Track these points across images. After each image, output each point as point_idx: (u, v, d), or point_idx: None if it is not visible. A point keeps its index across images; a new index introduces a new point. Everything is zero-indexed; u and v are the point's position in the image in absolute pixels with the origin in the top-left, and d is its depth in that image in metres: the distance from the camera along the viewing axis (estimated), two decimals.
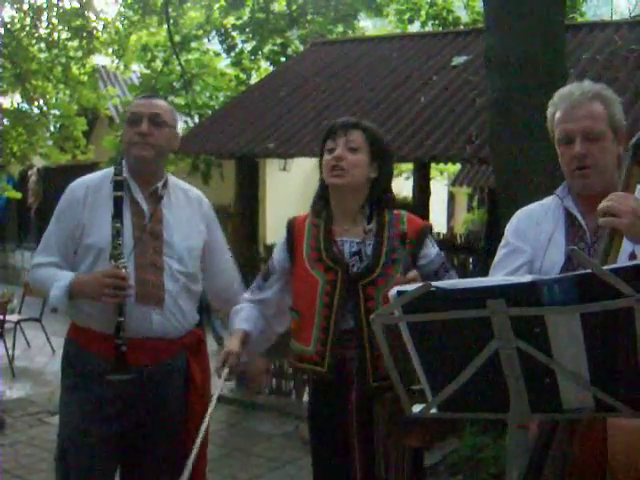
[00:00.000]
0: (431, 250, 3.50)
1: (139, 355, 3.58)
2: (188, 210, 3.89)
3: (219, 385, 3.45)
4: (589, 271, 1.92)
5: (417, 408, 2.30)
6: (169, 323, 3.69)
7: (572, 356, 2.03)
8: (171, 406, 3.76)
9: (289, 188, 15.20)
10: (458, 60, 9.79)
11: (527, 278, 1.98)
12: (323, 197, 3.57)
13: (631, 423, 2.49)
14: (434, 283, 2.03)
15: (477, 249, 11.89)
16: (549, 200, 3.24)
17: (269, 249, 9.53)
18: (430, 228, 3.57)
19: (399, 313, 2.11)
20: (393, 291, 2.11)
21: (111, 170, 3.80)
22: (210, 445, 7.40)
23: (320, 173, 3.58)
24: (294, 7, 16.89)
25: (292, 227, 3.60)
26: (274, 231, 13.33)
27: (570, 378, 2.05)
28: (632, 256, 2.71)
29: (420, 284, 2.05)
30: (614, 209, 2.53)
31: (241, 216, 9.87)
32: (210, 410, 3.37)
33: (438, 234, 16.57)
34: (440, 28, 16.63)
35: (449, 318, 2.04)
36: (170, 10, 16.16)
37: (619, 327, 1.95)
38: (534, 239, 3.13)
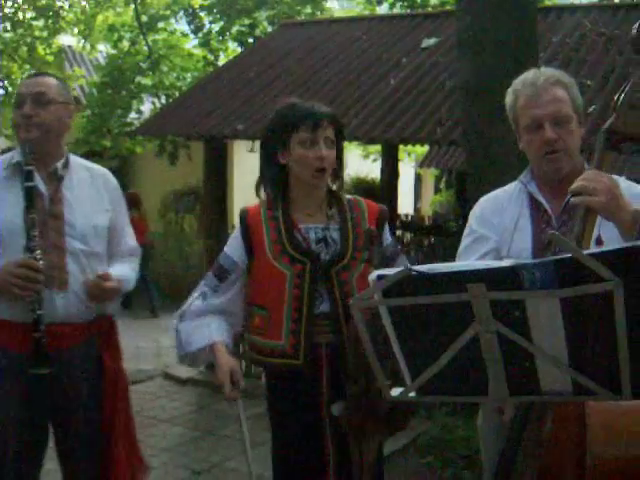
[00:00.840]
0: (387, 234, 3.54)
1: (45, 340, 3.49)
2: (92, 189, 3.78)
3: (242, 413, 3.52)
4: (569, 255, 1.92)
5: (396, 392, 2.30)
6: (74, 307, 3.60)
7: (551, 340, 2.03)
8: (84, 394, 3.69)
9: (256, 169, 15.11)
10: (428, 42, 9.79)
11: (507, 262, 1.97)
12: (278, 185, 3.48)
13: (610, 406, 2.50)
14: (414, 267, 2.02)
15: (445, 230, 11.95)
16: (512, 186, 3.27)
17: None
18: (387, 211, 3.57)
19: (379, 297, 2.11)
20: (373, 275, 2.10)
21: (9, 155, 3.72)
22: (181, 428, 7.52)
23: (266, 157, 3.52)
24: None
25: (246, 221, 3.48)
26: None
27: (549, 361, 2.05)
28: (598, 241, 2.74)
29: (400, 268, 2.04)
30: (588, 188, 2.53)
31: (210, 198, 9.82)
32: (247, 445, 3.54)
33: (406, 216, 16.63)
34: (408, 10, 16.60)
35: (429, 302, 2.04)
36: None
37: (598, 311, 1.95)
38: (499, 226, 3.16)
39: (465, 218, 3.47)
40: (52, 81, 3.72)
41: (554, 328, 2.01)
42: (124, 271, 3.81)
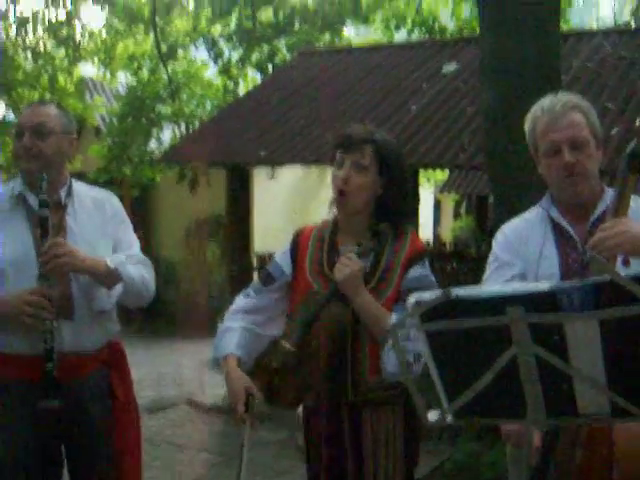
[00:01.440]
0: (416, 271, 3.38)
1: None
2: (96, 216, 3.74)
3: (247, 434, 3.40)
4: (607, 278, 1.94)
5: (433, 416, 2.31)
6: (81, 336, 3.57)
7: (589, 361, 2.04)
8: (94, 425, 3.65)
9: (277, 197, 15.20)
10: (448, 68, 9.83)
11: (545, 286, 1.99)
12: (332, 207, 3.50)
13: (636, 427, 2.51)
14: (453, 291, 2.04)
15: (467, 256, 11.94)
16: (532, 213, 3.28)
17: (260, 258, 9.56)
18: (426, 254, 3.49)
19: (417, 321, 2.12)
20: (412, 299, 2.12)
21: (9, 186, 3.70)
22: (206, 454, 7.50)
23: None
24: (281, 16, 16.91)
25: (297, 238, 3.54)
26: (262, 240, 13.35)
27: (587, 383, 2.07)
28: (625, 261, 2.75)
29: (438, 292, 2.06)
30: (610, 245, 2.58)
31: (233, 225, 9.86)
32: (244, 461, 3.44)
33: (427, 243, 16.61)
34: (426, 36, 16.68)
35: (468, 326, 2.06)
36: (157, 19, 16.15)
37: (636, 332, 1.97)
38: (524, 254, 3.17)
39: (485, 244, 3.49)
40: (52, 110, 3.68)
41: (592, 350, 2.02)
42: (120, 260, 3.65)
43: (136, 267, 3.71)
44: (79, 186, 3.81)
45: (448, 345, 2.15)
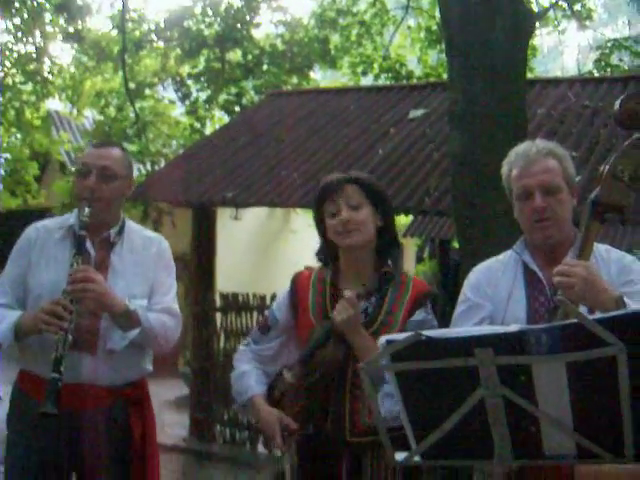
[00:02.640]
0: (420, 314, 3.40)
1: (69, 399, 3.39)
2: (142, 256, 3.78)
3: (288, 465, 3.37)
4: (574, 321, 1.98)
5: (400, 456, 2.33)
6: (102, 372, 3.57)
7: (556, 403, 2.07)
8: (106, 458, 3.62)
9: (240, 237, 15.21)
10: (415, 113, 9.91)
11: (514, 327, 2.02)
12: (326, 256, 3.54)
13: (597, 469, 2.53)
14: (424, 332, 2.07)
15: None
16: (506, 256, 3.32)
17: (224, 297, 9.52)
18: (431, 295, 3.48)
19: (387, 361, 2.15)
20: (382, 340, 2.14)
21: (66, 217, 3.78)
22: None
23: (318, 233, 3.55)
24: (250, 57, 17.00)
25: (296, 283, 3.55)
26: (225, 279, 13.31)
27: (554, 425, 2.09)
28: (591, 310, 2.80)
29: (410, 333, 2.08)
30: (563, 285, 2.71)
31: (198, 265, 9.84)
32: None
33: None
34: (393, 81, 16.82)
35: (437, 367, 2.08)
36: (126, 57, 16.17)
37: (603, 375, 2.00)
38: (493, 296, 3.20)
39: (447, 287, 3.55)
40: (118, 154, 3.74)
41: (559, 392, 2.05)
42: (140, 304, 3.67)
43: (159, 314, 3.71)
44: (132, 225, 3.86)
45: (417, 386, 2.18)
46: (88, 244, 3.62)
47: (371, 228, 3.39)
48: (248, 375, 3.51)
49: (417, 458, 2.30)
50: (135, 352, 3.72)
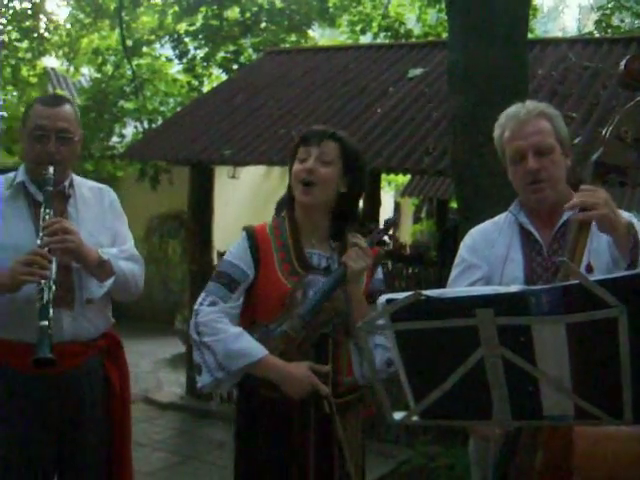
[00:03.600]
0: (381, 275, 3.51)
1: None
2: (95, 207, 3.78)
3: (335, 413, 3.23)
4: (576, 282, 1.97)
5: (399, 415, 2.32)
6: (80, 325, 3.57)
7: (555, 364, 2.06)
8: (91, 411, 3.65)
9: (238, 196, 15.18)
10: (414, 72, 9.84)
11: (515, 288, 2.02)
12: (289, 204, 3.45)
13: (596, 431, 2.54)
14: (424, 292, 2.06)
15: (427, 260, 11.97)
16: (501, 218, 3.33)
17: (221, 255, 9.52)
18: (382, 256, 3.56)
19: (387, 321, 2.14)
20: (382, 299, 2.13)
21: (10, 175, 3.69)
22: (162, 453, 7.48)
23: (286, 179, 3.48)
24: (248, 15, 16.87)
25: (254, 236, 3.39)
26: (222, 238, 13.29)
27: (553, 386, 2.09)
28: (588, 268, 2.80)
29: (409, 293, 2.07)
30: (588, 203, 2.62)
31: (195, 223, 9.82)
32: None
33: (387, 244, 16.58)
34: (392, 40, 16.71)
35: (437, 327, 2.07)
36: (123, 14, 16.06)
37: (603, 337, 1.99)
38: (490, 257, 3.21)
39: (445, 248, 3.55)
40: (71, 112, 3.67)
41: (559, 353, 2.05)
42: (112, 253, 3.63)
43: (127, 262, 3.71)
44: (77, 178, 3.83)
45: (416, 346, 2.17)
46: (42, 198, 3.55)
47: (331, 189, 3.33)
48: (246, 336, 3.24)
49: (415, 417, 2.30)
50: (104, 302, 3.73)
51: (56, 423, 3.58)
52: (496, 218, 3.36)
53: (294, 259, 3.34)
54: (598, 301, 1.93)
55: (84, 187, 3.82)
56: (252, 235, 3.40)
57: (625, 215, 3.07)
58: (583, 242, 2.66)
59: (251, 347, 3.20)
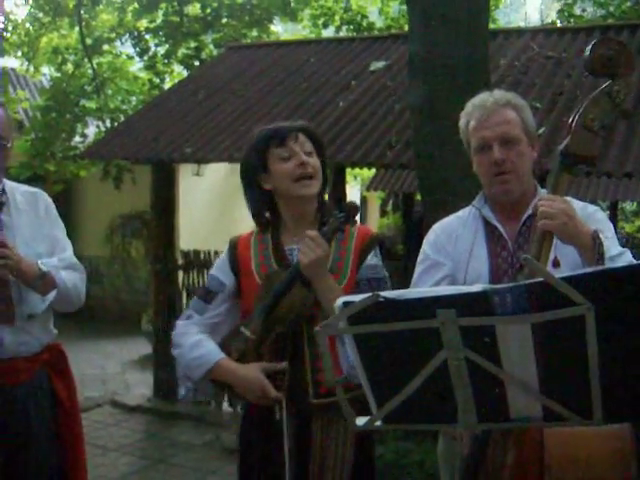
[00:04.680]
0: (372, 259, 3.28)
1: None
2: (30, 213, 3.62)
3: (284, 416, 3.14)
4: (540, 279, 1.89)
5: (361, 421, 2.25)
6: (22, 341, 3.46)
7: (521, 365, 2.00)
8: (39, 428, 3.54)
9: (202, 193, 15.09)
10: (376, 65, 9.79)
11: (478, 287, 1.94)
12: (269, 208, 3.37)
13: (566, 430, 2.49)
14: (382, 293, 1.98)
15: (394, 254, 11.94)
16: (465, 212, 3.26)
17: (185, 255, 9.44)
18: (377, 239, 3.35)
19: (344, 325, 2.05)
20: (339, 301, 2.05)
21: None
22: (129, 457, 7.38)
23: (249, 186, 3.37)
24: (208, 10, 16.75)
25: (234, 246, 3.39)
26: (187, 236, 13.22)
27: (519, 387, 2.02)
28: (555, 263, 2.76)
29: (367, 295, 1.99)
30: (546, 213, 2.57)
31: (158, 222, 9.71)
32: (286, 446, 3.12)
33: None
34: (354, 33, 16.66)
35: (397, 329, 1.99)
36: (82, 12, 15.91)
37: (570, 335, 1.92)
38: (454, 253, 3.14)
39: (411, 241, 3.46)
40: (5, 115, 3.54)
41: (524, 353, 1.99)
42: (53, 264, 3.54)
43: (68, 272, 3.60)
44: (8, 183, 3.67)
45: (377, 349, 2.10)
46: None
47: (320, 179, 3.29)
48: (203, 343, 3.26)
49: (379, 423, 2.23)
50: (46, 315, 3.61)
51: (1, 442, 3.45)
52: (460, 212, 3.28)
53: (273, 261, 3.28)
54: (564, 299, 1.86)
55: (17, 192, 3.66)
56: (233, 245, 3.41)
57: (590, 210, 3.02)
58: (547, 248, 2.62)
59: (206, 353, 3.22)
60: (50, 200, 3.77)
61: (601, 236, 2.61)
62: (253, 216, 3.40)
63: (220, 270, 3.39)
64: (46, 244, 3.59)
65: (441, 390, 2.08)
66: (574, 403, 2.03)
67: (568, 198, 2.95)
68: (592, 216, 2.97)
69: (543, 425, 2.21)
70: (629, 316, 1.90)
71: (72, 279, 3.59)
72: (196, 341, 3.27)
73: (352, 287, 3.17)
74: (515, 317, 1.91)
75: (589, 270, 1.99)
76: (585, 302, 1.84)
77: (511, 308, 1.91)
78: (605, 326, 1.88)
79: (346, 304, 2.03)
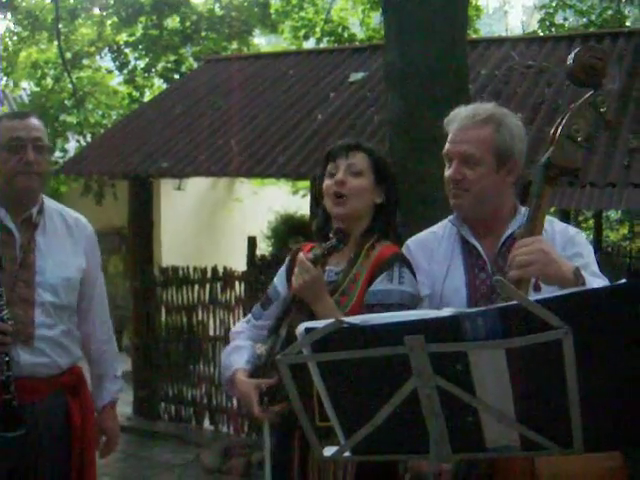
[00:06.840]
0: (382, 285, 3.07)
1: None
2: (66, 237, 3.60)
3: (267, 433, 3.21)
4: (514, 303, 1.78)
5: (329, 451, 2.12)
6: (39, 361, 3.41)
7: (496, 392, 1.89)
8: (50, 450, 3.47)
9: (185, 207, 14.96)
10: (355, 77, 9.73)
11: (447, 312, 1.82)
12: (327, 223, 3.28)
13: (559, 467, 2.42)
14: (346, 319, 1.86)
15: None
16: (441, 227, 3.15)
17: (164, 271, 9.29)
18: (397, 259, 3.10)
19: (307, 352, 1.93)
20: (301, 328, 1.93)
21: None
22: (107, 478, 7.22)
23: (320, 198, 3.29)
24: (188, 24, 16.70)
25: (293, 256, 3.32)
26: (170, 251, 13.07)
27: (494, 416, 1.91)
28: (536, 286, 2.60)
29: (330, 321, 1.87)
30: (522, 262, 2.45)
31: (135, 238, 9.58)
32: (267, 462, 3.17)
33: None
34: (335, 45, 16.60)
35: (363, 357, 1.87)
36: (61, 26, 15.80)
37: (547, 360, 1.81)
38: (430, 271, 3.03)
39: None
40: (41, 124, 3.51)
41: (499, 380, 1.88)
42: (115, 379, 3.85)
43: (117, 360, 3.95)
44: (49, 203, 3.64)
45: (343, 377, 1.99)
46: (12, 225, 3.43)
47: (366, 200, 3.15)
48: (238, 350, 3.31)
49: (347, 454, 2.11)
50: (68, 337, 3.57)
51: (9, 458, 3.37)
52: (435, 227, 3.15)
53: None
54: (541, 323, 1.74)
55: (54, 213, 3.62)
56: (291, 256, 3.39)
57: (571, 233, 2.91)
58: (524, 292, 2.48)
59: (232, 362, 3.28)
60: (92, 229, 3.80)
61: (584, 274, 2.49)
62: (314, 231, 3.38)
63: (279, 278, 3.41)
64: (78, 269, 3.59)
65: (412, 420, 1.96)
66: (553, 431, 1.92)
67: (549, 218, 2.84)
68: (572, 239, 2.89)
69: (521, 454, 2.08)
70: (608, 340, 1.80)
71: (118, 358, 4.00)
72: (237, 346, 3.35)
73: (360, 310, 3.03)
74: (487, 342, 1.79)
75: (566, 291, 1.88)
76: (562, 325, 1.73)
77: (484, 333, 1.79)
78: (584, 351, 1.77)
79: (308, 330, 1.91)
